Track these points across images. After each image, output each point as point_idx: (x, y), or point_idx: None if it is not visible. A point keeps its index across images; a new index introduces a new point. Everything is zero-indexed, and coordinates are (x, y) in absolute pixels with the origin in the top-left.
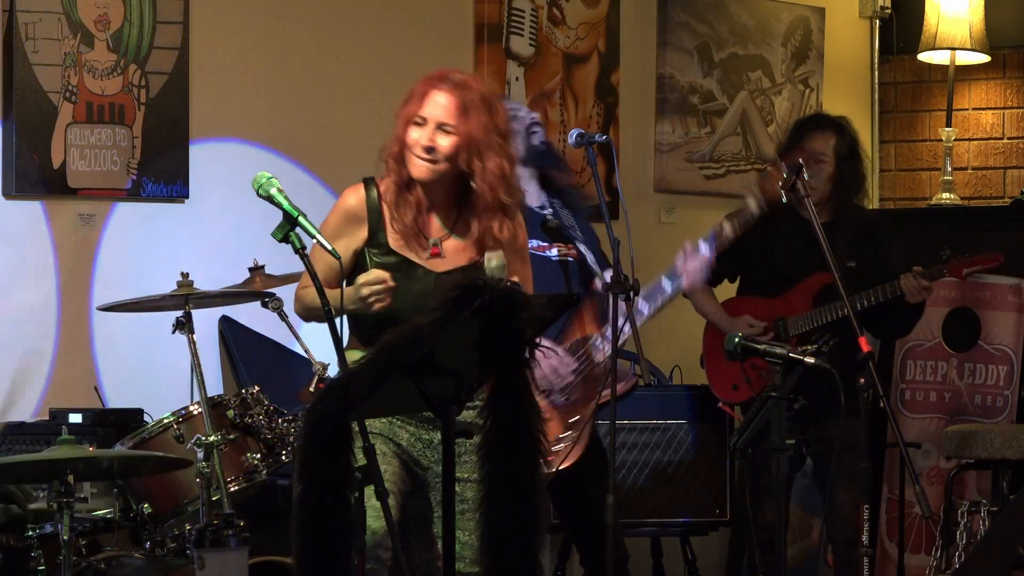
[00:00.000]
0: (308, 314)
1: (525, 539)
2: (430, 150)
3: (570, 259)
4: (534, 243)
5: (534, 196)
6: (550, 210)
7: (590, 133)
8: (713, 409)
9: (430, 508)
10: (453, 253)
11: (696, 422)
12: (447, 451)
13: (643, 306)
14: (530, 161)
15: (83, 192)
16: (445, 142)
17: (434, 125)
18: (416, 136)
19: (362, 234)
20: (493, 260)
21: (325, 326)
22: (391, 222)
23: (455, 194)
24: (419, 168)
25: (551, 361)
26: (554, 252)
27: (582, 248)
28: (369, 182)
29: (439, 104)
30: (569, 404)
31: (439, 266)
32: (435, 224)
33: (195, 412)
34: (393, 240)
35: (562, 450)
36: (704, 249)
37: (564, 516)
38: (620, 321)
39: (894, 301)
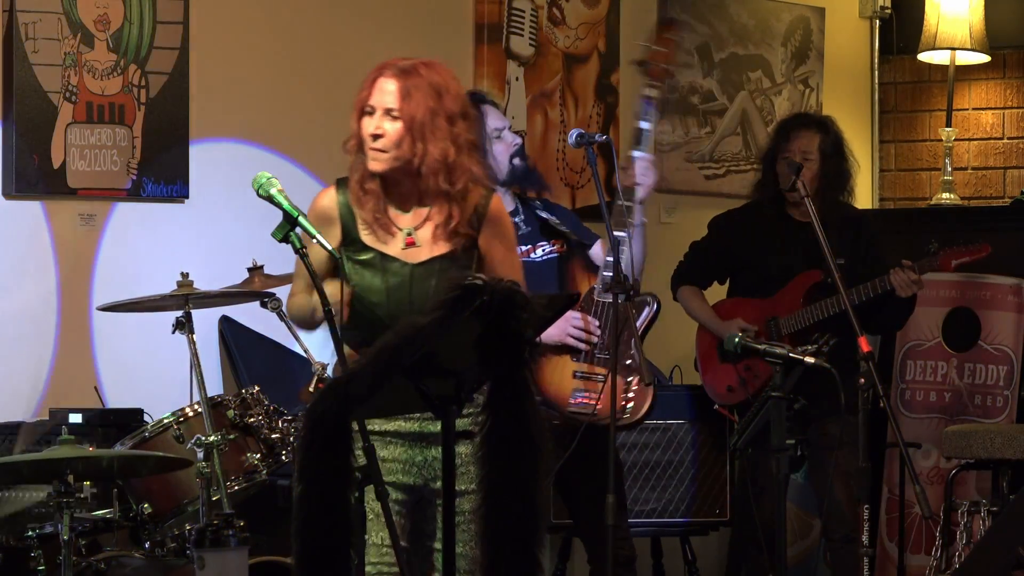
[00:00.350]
0: (298, 323)
1: (525, 539)
2: (377, 138)
3: (556, 254)
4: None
5: (508, 203)
6: (521, 216)
7: (590, 133)
8: (713, 409)
9: (426, 522)
10: (428, 243)
11: (696, 422)
12: (447, 453)
13: (619, 234)
14: (512, 182)
15: (83, 192)
16: (391, 128)
17: (381, 112)
18: (366, 125)
19: (336, 234)
20: None
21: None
22: (361, 218)
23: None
24: (372, 159)
25: (578, 325)
26: (539, 253)
27: (556, 223)
28: (341, 182)
29: (385, 91)
30: (609, 356)
31: (415, 256)
32: (406, 214)
33: (195, 412)
34: (366, 236)
35: (637, 395)
36: (638, 154)
37: (573, 513)
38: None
39: (885, 296)
